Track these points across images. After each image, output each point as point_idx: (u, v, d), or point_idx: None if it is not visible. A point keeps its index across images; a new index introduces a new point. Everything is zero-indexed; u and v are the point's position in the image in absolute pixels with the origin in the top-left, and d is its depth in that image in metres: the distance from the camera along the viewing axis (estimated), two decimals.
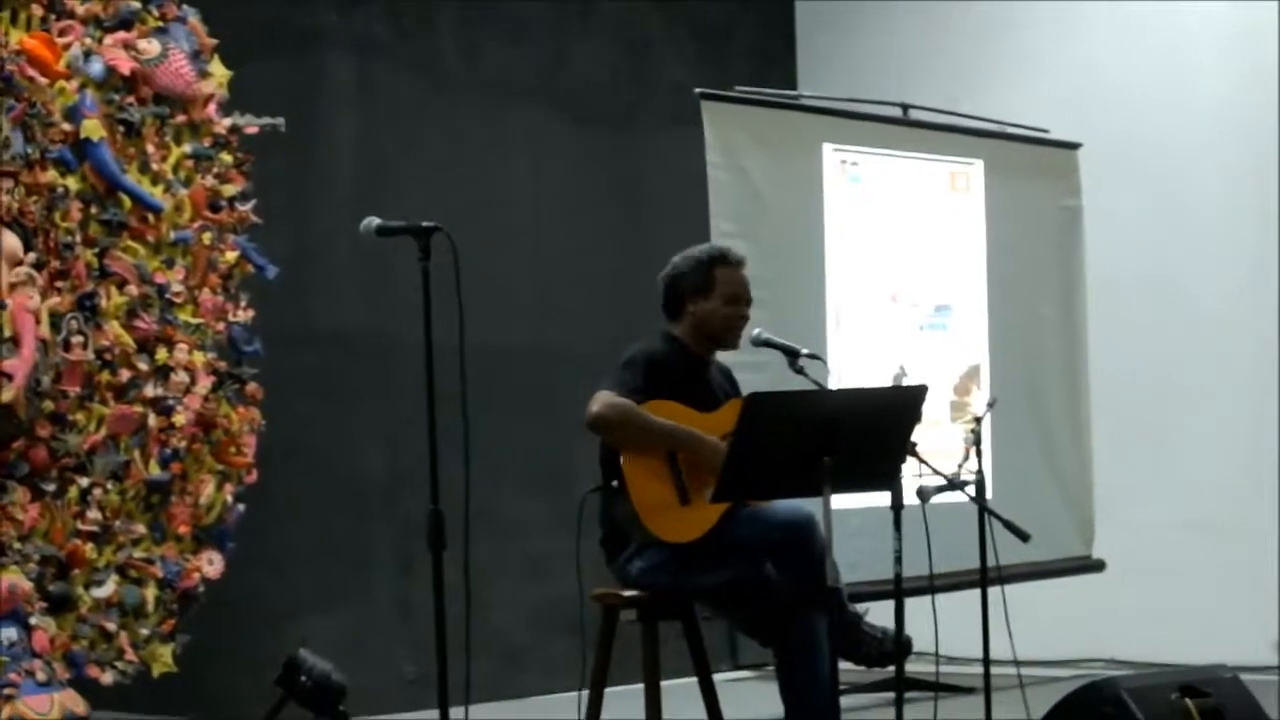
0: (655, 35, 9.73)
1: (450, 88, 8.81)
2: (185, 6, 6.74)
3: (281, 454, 7.19)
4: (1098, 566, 8.78)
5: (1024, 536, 5.53)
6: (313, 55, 8.30)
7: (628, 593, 5.63)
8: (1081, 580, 8.73)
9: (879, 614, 5.63)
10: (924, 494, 5.52)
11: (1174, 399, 9.01)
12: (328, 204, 8.14)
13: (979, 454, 6.00)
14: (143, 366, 6.49)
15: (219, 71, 6.83)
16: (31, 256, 6.12)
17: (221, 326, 6.74)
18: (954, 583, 6.69)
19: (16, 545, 6.05)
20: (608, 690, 5.73)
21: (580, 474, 5.90)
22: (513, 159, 8.99)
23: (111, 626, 6.36)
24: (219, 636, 7.04)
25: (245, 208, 6.84)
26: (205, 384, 6.63)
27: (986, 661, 5.94)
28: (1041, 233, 8.84)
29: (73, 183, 6.33)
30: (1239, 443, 8.78)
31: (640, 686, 5.61)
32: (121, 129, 6.49)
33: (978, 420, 6.16)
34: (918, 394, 5.28)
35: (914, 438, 5.31)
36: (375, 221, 5.06)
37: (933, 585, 5.80)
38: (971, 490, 5.73)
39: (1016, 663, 6.06)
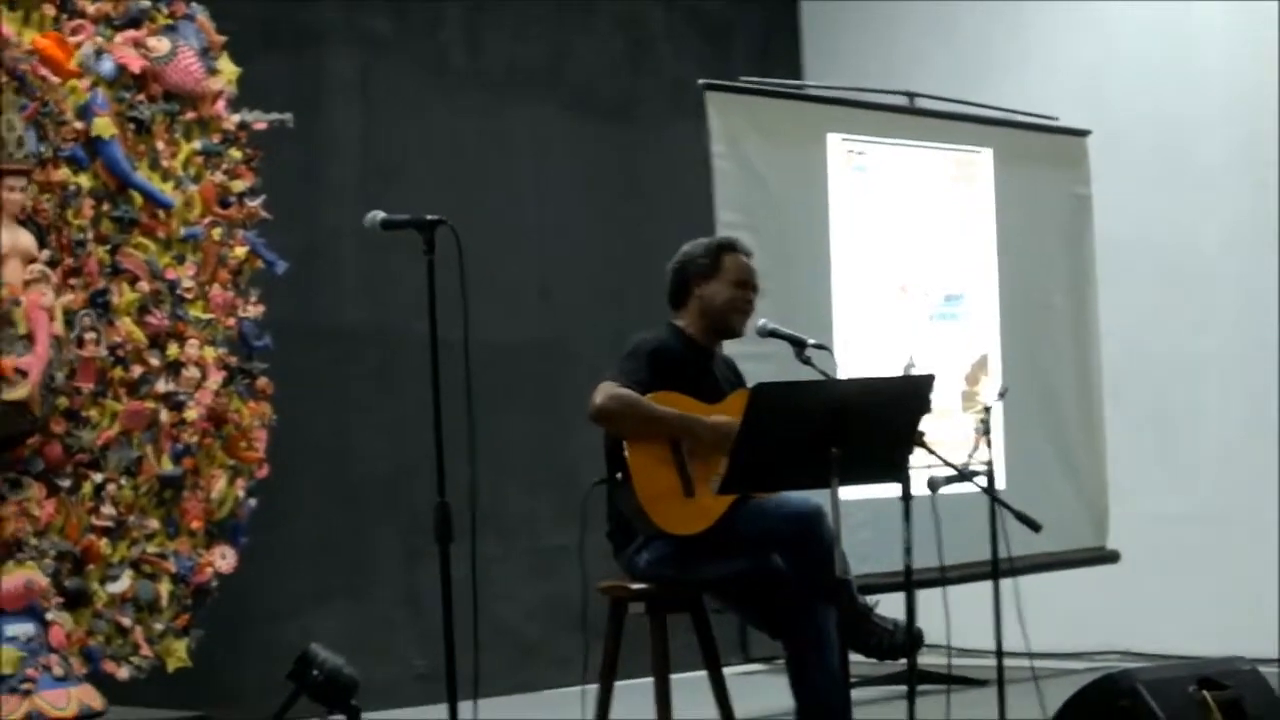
0: (658, 29, 9.74)
1: (455, 82, 8.82)
2: (194, 4, 6.77)
3: (292, 448, 7.21)
4: (1112, 558, 8.76)
5: (1035, 527, 5.51)
6: (319, 51, 8.32)
7: (635, 585, 5.61)
8: (1097, 572, 8.71)
9: (890, 606, 5.62)
10: (934, 484, 5.50)
11: (1188, 389, 8.99)
12: (336, 199, 8.16)
13: (989, 444, 5.99)
14: (154, 362, 6.51)
15: (227, 68, 6.85)
16: (45, 254, 6.15)
17: (232, 322, 6.77)
18: (966, 574, 6.68)
19: (33, 541, 6.08)
20: (618, 684, 5.70)
21: (585, 467, 5.91)
22: (517, 153, 9.00)
23: (127, 621, 6.39)
24: (233, 631, 7.07)
25: (255, 203, 6.87)
26: (216, 379, 6.66)
27: (999, 654, 5.93)
28: (1051, 221, 8.83)
29: (85, 180, 6.36)
30: (1254, 434, 8.75)
31: (650, 680, 5.60)
32: (132, 126, 6.52)
33: (987, 410, 6.15)
34: (925, 383, 5.25)
35: (924, 428, 5.29)
36: (380, 215, 5.06)
37: (943, 577, 5.78)
38: (982, 481, 5.71)
39: (1030, 655, 6.05)
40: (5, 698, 5.88)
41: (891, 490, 5.27)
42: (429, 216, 4.96)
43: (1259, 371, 8.77)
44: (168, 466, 6.52)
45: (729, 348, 6.11)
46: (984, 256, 8.53)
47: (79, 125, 6.35)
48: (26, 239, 6.10)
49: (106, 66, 6.44)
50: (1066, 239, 8.89)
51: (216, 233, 6.73)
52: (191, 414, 6.55)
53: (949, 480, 5.49)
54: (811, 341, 5.64)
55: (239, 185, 6.83)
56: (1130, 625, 8.86)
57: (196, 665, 6.65)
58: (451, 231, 4.92)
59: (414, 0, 8.69)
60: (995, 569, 5.79)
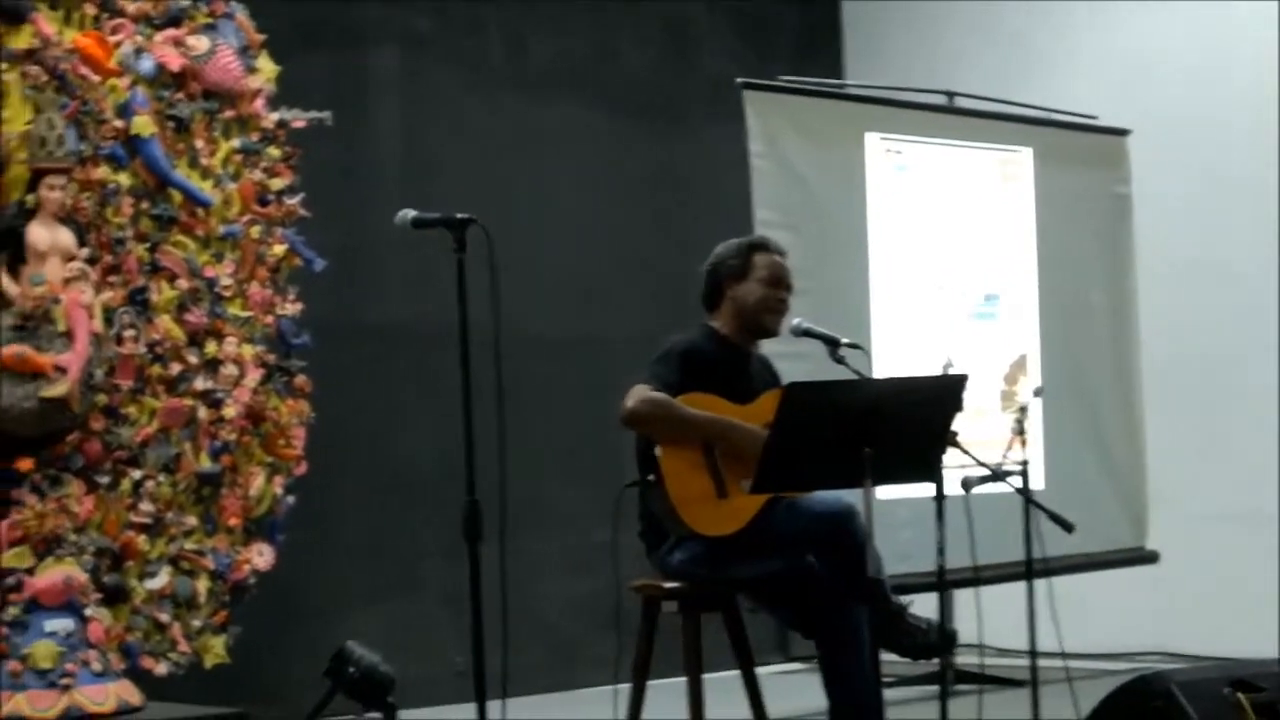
0: (700, 28, 9.73)
1: (495, 81, 8.83)
2: (233, 3, 6.80)
3: (330, 446, 7.22)
4: (1151, 558, 8.72)
5: (1068, 527, 5.49)
6: (359, 49, 8.34)
7: (668, 584, 5.60)
8: (1139, 572, 8.68)
9: (926, 606, 5.61)
10: (967, 484, 5.48)
11: (1229, 389, 8.94)
12: (375, 197, 8.17)
13: (1024, 443, 5.97)
14: (193, 360, 6.54)
15: (266, 67, 6.87)
16: (85, 252, 6.19)
17: (270, 319, 6.78)
18: (1001, 574, 6.67)
19: (72, 537, 6.11)
20: (651, 683, 5.68)
21: (628, 465, 5.89)
22: (557, 151, 9.01)
23: (165, 618, 6.42)
24: (270, 628, 7.09)
25: (293, 201, 6.89)
26: (254, 377, 6.68)
27: (1033, 654, 5.91)
28: (1091, 220, 8.80)
29: (124, 179, 6.40)
30: None
31: (683, 680, 5.59)
32: (171, 125, 6.55)
33: (1023, 410, 6.12)
34: (958, 383, 5.24)
35: (960, 427, 5.27)
36: (411, 214, 5.04)
37: (977, 577, 5.77)
38: (1016, 480, 5.69)
39: (1064, 655, 6.02)
40: (44, 692, 5.92)
41: (931, 490, 5.25)
42: (459, 215, 4.94)
43: None
44: (206, 463, 6.54)
45: (766, 347, 6.10)
46: (1023, 256, 8.50)
47: (119, 124, 6.38)
48: (66, 237, 6.14)
49: (146, 65, 6.47)
50: (1106, 238, 8.86)
51: (255, 230, 6.75)
52: (230, 411, 6.58)
53: (982, 480, 5.46)
54: (845, 341, 5.62)
55: (278, 183, 6.85)
56: (1171, 626, 8.81)
57: (235, 662, 6.68)
58: (482, 230, 4.89)
59: None
60: (1029, 569, 5.77)
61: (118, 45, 6.43)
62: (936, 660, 5.49)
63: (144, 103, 6.44)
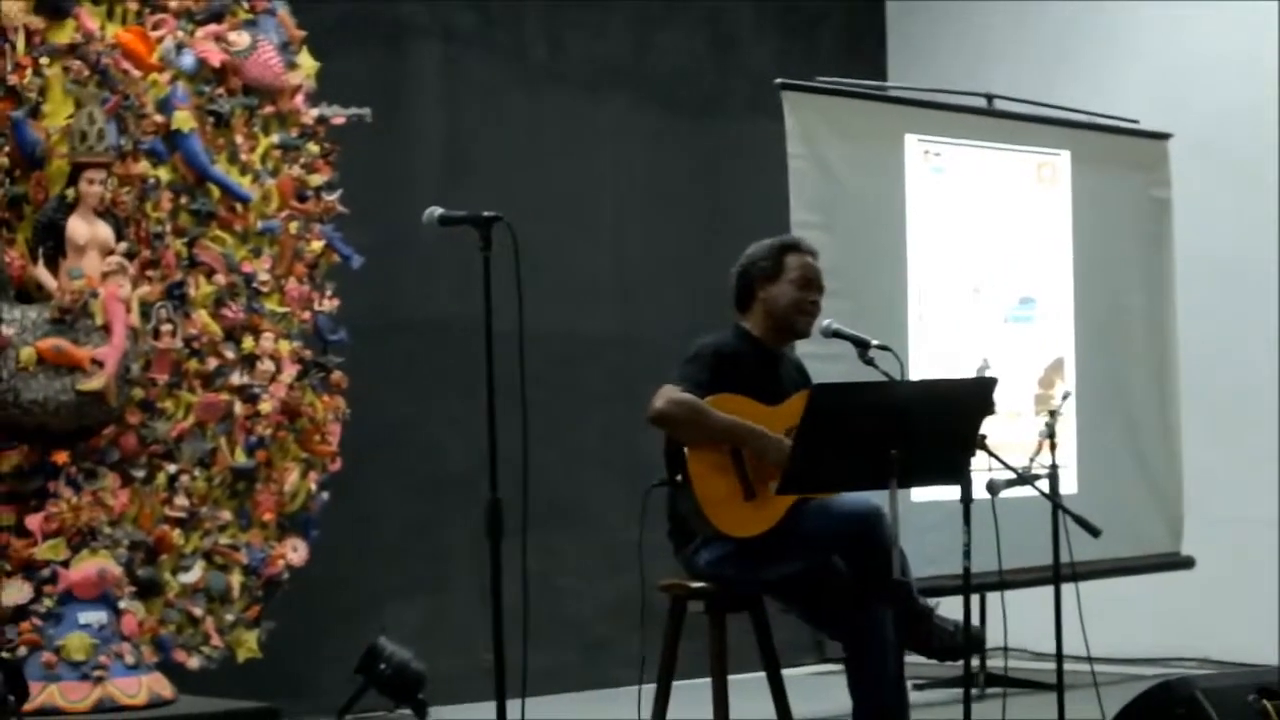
0: (743, 26, 9.72)
1: (535, 77, 8.83)
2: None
3: (365, 442, 7.25)
4: (1187, 563, 8.68)
5: (1094, 532, 5.46)
6: (399, 46, 8.34)
7: (695, 584, 5.60)
8: (1174, 577, 8.64)
9: (957, 608, 5.59)
10: (993, 488, 5.46)
11: (1268, 393, 8.88)
12: (413, 194, 8.16)
13: (1053, 447, 5.95)
14: (229, 355, 6.57)
15: (307, 63, 6.90)
16: (123, 246, 6.23)
17: (307, 315, 6.81)
18: (1032, 578, 6.66)
19: (107, 530, 6.15)
20: (678, 683, 5.68)
21: (661, 464, 5.89)
22: (597, 148, 9.00)
23: (198, 612, 6.45)
24: (303, 623, 7.11)
25: (332, 197, 6.91)
26: (290, 372, 6.70)
27: (1059, 657, 5.90)
28: (1130, 224, 8.76)
29: (164, 173, 6.44)
30: None
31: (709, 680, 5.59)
32: (211, 120, 6.58)
33: (1052, 414, 6.10)
34: (987, 386, 5.23)
35: (995, 431, 5.26)
36: (438, 211, 5.02)
37: (1002, 580, 5.76)
38: (1042, 485, 5.68)
39: (1090, 659, 6.01)
40: (77, 684, 5.95)
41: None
42: (485, 213, 4.93)
43: None
44: (241, 459, 6.58)
45: (799, 348, 6.09)
46: (1060, 259, 8.48)
47: (159, 119, 6.43)
48: (105, 231, 6.18)
49: (187, 60, 6.51)
50: (1145, 242, 8.81)
51: (293, 226, 6.78)
52: (265, 407, 6.61)
53: (1009, 484, 5.45)
54: (875, 343, 5.61)
55: (316, 179, 6.88)
56: (1206, 631, 8.76)
57: (268, 657, 6.70)
58: (508, 228, 4.87)
59: None
60: (1056, 573, 5.75)
61: (159, 40, 6.47)
62: (958, 662, 5.49)
63: (184, 98, 6.48)
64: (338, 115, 6.95)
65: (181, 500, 6.42)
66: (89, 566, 6.06)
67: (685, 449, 5.39)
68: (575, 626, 8.32)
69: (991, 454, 5.27)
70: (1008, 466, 5.33)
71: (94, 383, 6.03)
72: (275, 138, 6.79)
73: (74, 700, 5.94)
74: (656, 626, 5.66)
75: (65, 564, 6.05)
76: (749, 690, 5.89)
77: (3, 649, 5.95)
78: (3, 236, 6.15)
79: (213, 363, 6.53)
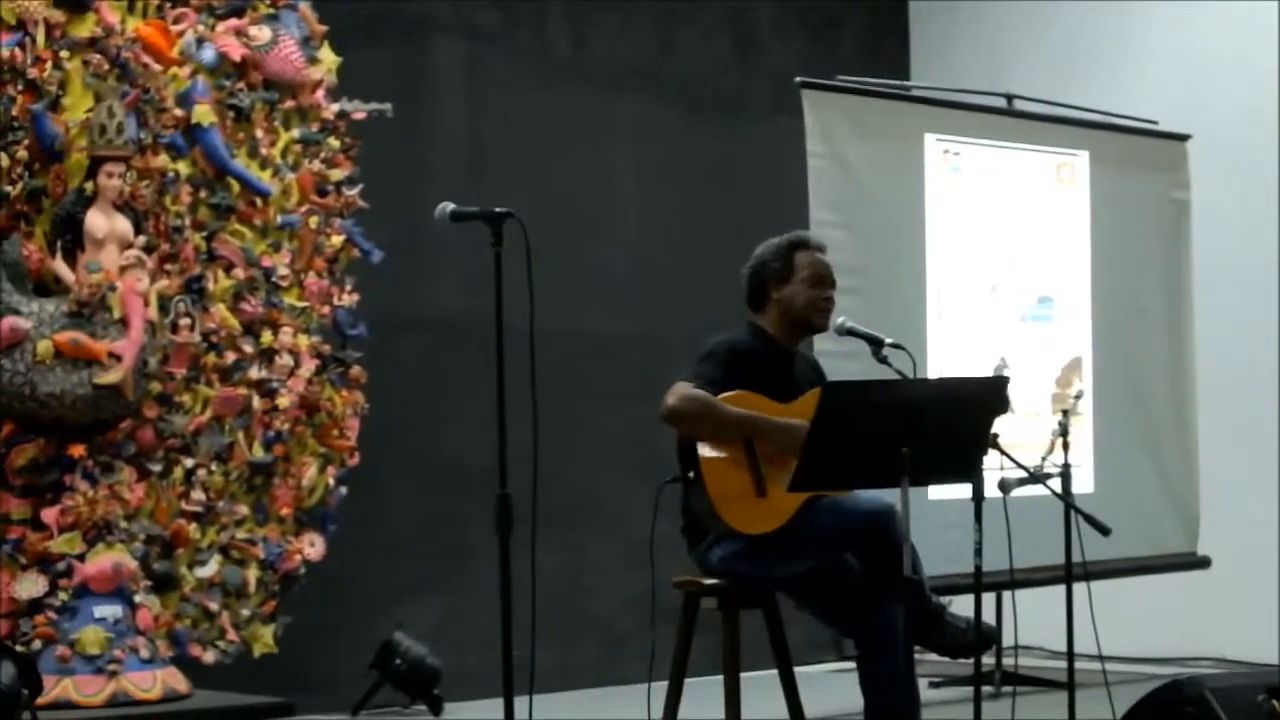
0: (765, 25, 9.71)
1: (558, 75, 8.83)
2: None
3: (383, 437, 7.25)
4: (1203, 563, 8.66)
5: (1104, 530, 5.45)
6: (421, 42, 8.35)
7: (708, 581, 5.60)
8: (1191, 576, 8.63)
9: (967, 606, 5.58)
10: (1005, 486, 5.45)
11: None
12: (434, 189, 8.13)
13: (1065, 447, 5.94)
14: (248, 349, 6.59)
15: (328, 58, 6.92)
16: (141, 240, 6.25)
17: (326, 310, 6.82)
18: (1046, 577, 6.65)
19: (123, 524, 6.16)
20: (691, 680, 5.67)
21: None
22: (618, 146, 9.01)
23: (214, 606, 6.46)
24: (318, 618, 7.11)
25: (352, 193, 6.93)
26: (309, 367, 6.72)
27: (1070, 655, 5.89)
28: (1148, 225, 8.74)
29: (183, 167, 6.46)
30: None
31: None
32: (231, 114, 6.60)
33: (1065, 413, 6.09)
34: (999, 385, 5.23)
35: (1012, 429, 5.26)
36: (450, 207, 5.01)
37: (1012, 579, 5.75)
38: (1054, 484, 5.67)
39: (1101, 658, 6.00)
40: (92, 678, 5.97)
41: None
42: (497, 209, 4.93)
43: None
44: (259, 453, 6.59)
45: (817, 346, 6.09)
46: (1078, 259, 8.46)
47: (179, 112, 6.45)
48: (124, 224, 6.19)
49: (208, 54, 6.53)
50: (1163, 243, 8.79)
51: (313, 221, 6.79)
52: (284, 401, 6.62)
53: (1021, 483, 5.44)
54: (889, 341, 5.61)
55: (337, 174, 6.89)
56: (1223, 631, 8.75)
57: (283, 652, 6.71)
58: (519, 225, 4.86)
59: None
60: (1069, 572, 5.74)
61: (180, 34, 6.49)
62: (971, 660, 5.49)
63: (204, 92, 6.50)
64: (359, 110, 6.96)
65: (198, 494, 6.43)
66: (104, 560, 6.08)
67: (698, 446, 5.40)
68: (596, 623, 8.31)
69: (1003, 453, 5.26)
70: (1019, 465, 5.33)
71: (111, 376, 6.04)
72: (296, 132, 6.80)
73: (88, 694, 5.95)
74: (670, 623, 5.66)
75: (81, 558, 6.07)
76: (762, 687, 5.89)
77: (17, 642, 5.96)
78: (21, 230, 6.17)
79: (231, 357, 6.55)
